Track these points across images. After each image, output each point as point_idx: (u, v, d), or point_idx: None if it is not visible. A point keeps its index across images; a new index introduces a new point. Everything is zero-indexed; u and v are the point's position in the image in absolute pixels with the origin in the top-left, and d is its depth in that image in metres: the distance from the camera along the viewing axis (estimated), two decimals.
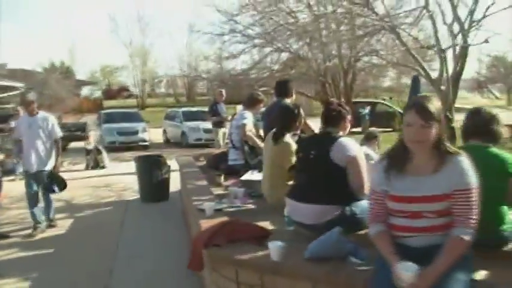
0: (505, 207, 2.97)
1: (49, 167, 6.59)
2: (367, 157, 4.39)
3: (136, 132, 18.83)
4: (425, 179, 2.43)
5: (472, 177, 2.39)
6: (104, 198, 9.08)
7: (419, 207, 2.42)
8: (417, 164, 2.47)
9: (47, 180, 6.58)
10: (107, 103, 48.16)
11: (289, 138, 4.52)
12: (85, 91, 54.94)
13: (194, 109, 22.57)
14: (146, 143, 18.73)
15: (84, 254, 5.85)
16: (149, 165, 8.45)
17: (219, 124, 12.09)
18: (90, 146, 13.28)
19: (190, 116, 19.93)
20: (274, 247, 2.98)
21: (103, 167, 13.00)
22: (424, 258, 2.31)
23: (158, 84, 61.71)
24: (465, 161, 2.41)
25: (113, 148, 17.28)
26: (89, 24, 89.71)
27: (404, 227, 2.49)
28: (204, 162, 7.55)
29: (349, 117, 3.81)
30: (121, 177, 11.14)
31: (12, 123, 10.54)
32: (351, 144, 3.54)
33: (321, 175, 3.48)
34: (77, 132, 17.63)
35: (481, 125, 3.13)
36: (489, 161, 2.96)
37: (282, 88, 5.91)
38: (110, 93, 59.32)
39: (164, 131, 21.96)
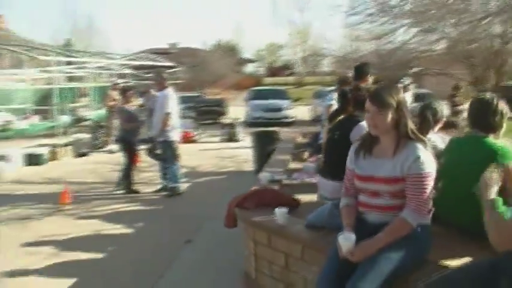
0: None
1: (162, 138, 7.53)
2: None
3: (280, 109, 19.55)
4: (384, 161, 2.63)
5: (427, 164, 2.52)
6: (224, 168, 10.02)
7: (377, 187, 2.64)
8: (381, 147, 2.69)
9: (164, 150, 7.59)
10: (267, 80, 50.14)
11: None
12: (250, 68, 57.97)
13: None
14: (290, 120, 19.29)
15: (188, 209, 6.77)
16: (262, 140, 9.08)
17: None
18: (227, 121, 14.39)
19: None
20: (280, 213, 3.41)
21: (236, 140, 14.03)
22: (376, 233, 2.56)
23: (320, 63, 62.22)
24: (421, 148, 2.56)
25: (257, 123, 18.15)
26: (252, 3, 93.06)
27: (365, 204, 2.74)
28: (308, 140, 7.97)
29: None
30: (247, 151, 12.00)
31: (141, 100, 11.69)
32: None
33: (342, 154, 3.75)
34: (214, 107, 18.87)
35: (479, 115, 3.13)
36: (480, 150, 3.00)
37: (357, 72, 5.99)
38: (273, 71, 61.47)
39: (312, 109, 22.37)
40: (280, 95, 21.41)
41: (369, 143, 2.75)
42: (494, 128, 3.11)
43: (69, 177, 9.35)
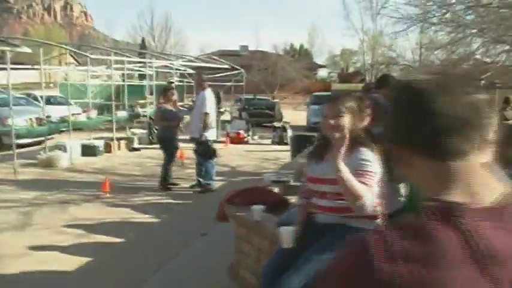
0: None
1: (197, 136, 7.93)
2: None
3: None
4: (333, 164, 2.73)
5: (371, 164, 2.65)
6: (263, 169, 10.30)
7: (326, 188, 2.79)
8: (333, 151, 2.81)
9: (198, 148, 7.98)
10: (336, 86, 49.86)
11: None
12: (323, 73, 57.93)
13: None
14: None
15: (214, 205, 7.12)
16: (299, 143, 9.28)
17: None
18: (278, 124, 14.70)
19: None
20: (256, 209, 3.67)
21: (286, 143, 14.28)
22: (324, 234, 2.74)
23: (389, 70, 61.03)
24: (367, 153, 2.69)
25: (316, 128, 18.29)
26: (327, 8, 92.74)
27: (315, 205, 2.92)
28: None
29: (367, 110, 4.12)
30: None
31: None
32: None
33: None
34: (266, 110, 19.23)
35: None
36: None
37: (379, 82, 5.99)
38: (345, 77, 60.99)
39: None
40: None
41: (322, 147, 2.94)
42: None
43: (117, 168, 10.03)
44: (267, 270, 2.83)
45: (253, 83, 37.88)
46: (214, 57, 23.06)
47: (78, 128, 13.04)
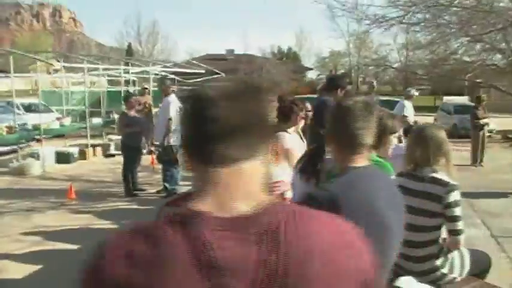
0: None
1: (163, 142, 7.98)
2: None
3: None
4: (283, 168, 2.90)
5: (275, 174, 2.76)
6: None
7: None
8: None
9: (162, 153, 8.05)
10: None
11: None
12: (311, 76, 58.06)
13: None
14: None
15: None
16: None
17: None
18: None
19: None
20: None
21: None
22: None
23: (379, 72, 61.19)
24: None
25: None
26: (314, 10, 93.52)
27: None
28: None
29: (301, 114, 4.20)
30: None
31: None
32: (286, 139, 3.97)
33: None
34: None
35: None
36: None
37: (327, 83, 5.99)
38: None
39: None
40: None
41: None
42: (374, 144, 3.23)
43: (88, 175, 10.06)
44: None
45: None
46: (194, 61, 23.08)
47: (59, 135, 13.08)
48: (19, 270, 4.92)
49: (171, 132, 7.88)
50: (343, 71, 60.53)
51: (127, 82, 27.38)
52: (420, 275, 2.88)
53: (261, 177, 0.97)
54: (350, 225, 1.01)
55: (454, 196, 2.81)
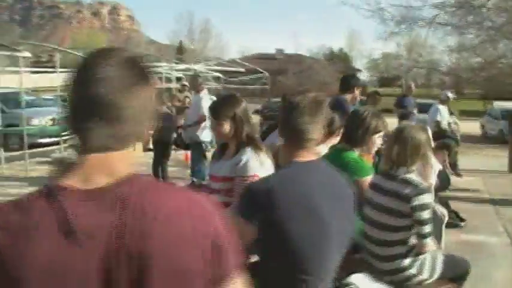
0: None
1: (194, 138, 8.19)
2: None
3: None
4: (226, 163, 2.94)
5: (252, 168, 2.76)
6: None
7: (218, 185, 2.93)
8: (227, 151, 3.00)
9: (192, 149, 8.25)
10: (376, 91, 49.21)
11: None
12: (362, 77, 57.44)
13: None
14: None
15: None
16: None
17: (403, 117, 12.22)
18: None
19: None
20: None
21: None
22: None
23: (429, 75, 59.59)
24: (251, 153, 2.81)
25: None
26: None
27: None
28: None
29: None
30: None
31: None
32: None
33: None
34: (277, 113, 19.30)
35: (347, 127, 3.33)
36: (335, 163, 3.17)
37: (342, 83, 5.86)
38: (385, 81, 60.07)
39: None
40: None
41: (222, 148, 3.08)
42: (357, 142, 3.25)
43: None
44: None
45: (287, 86, 38.01)
46: (238, 60, 23.36)
47: None
48: None
49: (202, 128, 8.07)
50: (395, 73, 59.62)
51: (178, 79, 28.04)
52: (388, 274, 2.89)
53: (129, 161, 1.11)
54: (203, 197, 1.12)
55: (423, 199, 2.79)
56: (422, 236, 2.82)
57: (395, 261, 2.87)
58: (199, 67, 17.98)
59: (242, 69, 19.78)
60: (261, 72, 20.68)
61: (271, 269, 1.94)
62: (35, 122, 11.25)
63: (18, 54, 9.26)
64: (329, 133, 3.65)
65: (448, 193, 7.60)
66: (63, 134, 11.58)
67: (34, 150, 11.99)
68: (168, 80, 18.25)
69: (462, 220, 6.32)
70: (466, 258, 3.32)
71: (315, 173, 1.97)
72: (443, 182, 7.90)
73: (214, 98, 8.26)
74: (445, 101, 10.02)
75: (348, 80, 5.83)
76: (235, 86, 21.69)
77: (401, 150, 2.93)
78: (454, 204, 6.75)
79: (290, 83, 37.86)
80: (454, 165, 9.12)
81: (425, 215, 2.78)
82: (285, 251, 1.87)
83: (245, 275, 1.13)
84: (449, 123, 9.92)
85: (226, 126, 2.87)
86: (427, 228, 2.80)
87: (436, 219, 4.82)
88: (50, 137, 12.20)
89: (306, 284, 1.87)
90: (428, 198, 2.83)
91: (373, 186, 3.00)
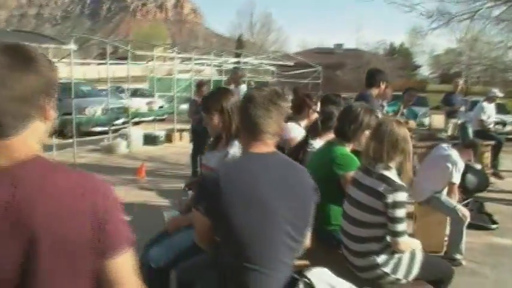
0: (334, 208, 3.09)
1: None
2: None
3: (415, 116, 19.21)
4: (215, 154, 3.05)
5: None
6: None
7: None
8: (220, 144, 3.10)
9: None
10: (432, 87, 47.87)
11: None
12: (423, 73, 56.00)
13: None
14: (425, 128, 18.84)
15: None
16: None
17: (450, 114, 11.91)
18: None
19: None
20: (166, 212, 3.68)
21: None
22: None
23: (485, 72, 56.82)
24: (236, 146, 2.85)
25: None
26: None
27: None
28: None
29: (314, 107, 4.30)
30: None
31: None
32: (293, 129, 4.11)
33: None
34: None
35: (339, 122, 3.34)
36: (324, 157, 3.20)
37: (367, 79, 5.74)
38: (446, 77, 58.09)
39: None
40: (420, 102, 20.80)
41: (216, 140, 3.19)
42: (349, 137, 3.25)
43: (167, 157, 10.77)
44: (147, 245, 3.09)
45: (344, 81, 37.61)
46: (291, 54, 23.35)
47: (161, 119, 14.07)
48: None
49: None
50: (457, 70, 57.46)
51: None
52: (362, 270, 2.89)
53: (29, 144, 1.21)
54: (91, 177, 1.26)
55: (397, 197, 2.72)
56: (394, 234, 2.76)
57: (369, 257, 2.84)
58: (250, 60, 18.14)
59: (290, 63, 19.80)
60: (314, 67, 20.61)
61: (224, 256, 2.05)
62: (88, 111, 11.77)
63: (64, 46, 9.72)
64: (326, 128, 3.72)
65: (485, 194, 7.41)
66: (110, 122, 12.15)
67: (87, 138, 12.63)
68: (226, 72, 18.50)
69: (494, 223, 6.13)
70: (450, 264, 3.28)
71: (265, 164, 2.03)
72: (482, 182, 7.69)
73: None
74: (491, 99, 9.67)
75: (374, 75, 5.74)
76: (287, 80, 21.70)
77: (378, 146, 2.88)
78: (490, 206, 6.57)
79: (347, 77, 37.42)
80: (494, 166, 8.84)
81: (399, 213, 2.72)
82: (230, 239, 1.97)
83: (131, 250, 1.24)
84: (496, 123, 9.58)
85: (215, 119, 2.99)
86: (401, 227, 2.74)
87: (456, 220, 4.75)
88: (102, 125, 12.77)
89: (252, 272, 1.95)
90: (402, 196, 2.75)
91: (353, 181, 2.97)
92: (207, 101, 3.07)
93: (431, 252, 4.94)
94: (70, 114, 10.64)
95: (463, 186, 7.61)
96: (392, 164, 2.87)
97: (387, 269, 2.83)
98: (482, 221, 6.13)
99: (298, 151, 3.67)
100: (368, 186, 2.82)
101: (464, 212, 4.79)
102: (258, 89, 2.12)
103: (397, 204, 2.71)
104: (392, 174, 2.82)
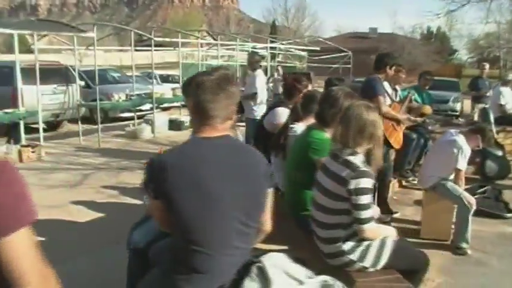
0: (311, 193, 3.02)
1: (247, 115, 8.36)
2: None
3: (447, 101, 18.83)
4: None
5: None
6: None
7: None
8: None
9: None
10: (469, 71, 46.60)
11: None
12: (462, 57, 54.61)
13: None
14: (456, 113, 18.48)
15: None
16: None
17: (476, 99, 11.63)
18: None
19: None
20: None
21: None
22: None
23: None
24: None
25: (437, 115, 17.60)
26: None
27: None
28: None
29: (305, 91, 4.28)
30: None
31: None
32: (283, 114, 4.10)
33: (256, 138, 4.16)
34: None
35: (319, 106, 3.32)
36: (302, 141, 3.21)
37: (376, 62, 5.70)
38: (484, 62, 56.27)
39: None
40: (451, 86, 20.36)
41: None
42: (328, 122, 3.22)
43: None
44: (132, 228, 3.15)
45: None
46: (320, 39, 23.16)
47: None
48: (85, 215, 5.77)
49: (259, 103, 8.22)
50: (496, 54, 55.69)
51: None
52: (329, 257, 2.85)
53: None
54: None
55: (361, 183, 2.65)
56: (359, 221, 2.69)
57: (335, 244, 2.80)
58: (277, 45, 18.08)
59: (316, 48, 19.66)
60: (345, 51, 20.40)
61: (176, 239, 2.11)
62: (116, 97, 12.00)
63: (82, 34, 9.90)
64: (307, 111, 3.70)
65: (506, 182, 7.25)
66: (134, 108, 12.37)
67: (114, 124, 12.91)
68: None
69: (510, 211, 5.97)
70: (425, 253, 3.13)
71: (212, 148, 2.05)
72: (502, 169, 7.52)
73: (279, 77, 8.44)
74: (507, 82, 9.37)
75: (381, 59, 5.71)
76: (317, 65, 21.59)
77: (344, 131, 2.81)
78: (508, 195, 6.41)
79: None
80: None
81: (363, 199, 2.64)
82: (178, 222, 2.01)
83: (29, 229, 1.20)
84: None
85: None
86: (365, 214, 2.66)
87: (462, 207, 4.67)
88: (128, 111, 13.00)
89: (200, 255, 1.99)
90: (366, 182, 2.66)
91: (321, 167, 2.91)
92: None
93: (439, 241, 4.91)
94: (101, 100, 10.92)
95: (482, 172, 7.48)
96: (360, 150, 2.79)
97: (354, 257, 2.79)
98: (498, 210, 5.97)
99: (280, 136, 3.68)
100: (333, 172, 2.76)
101: (470, 199, 4.69)
102: (207, 73, 2.13)
103: (360, 191, 2.64)
104: (357, 159, 2.74)
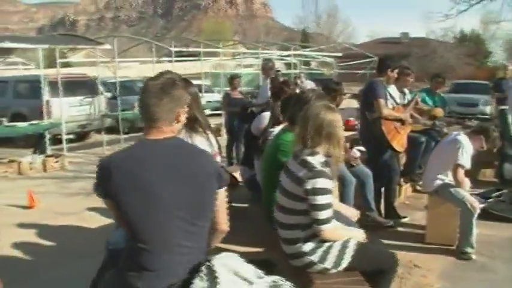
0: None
1: None
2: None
3: (476, 105, 18.46)
4: None
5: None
6: None
7: None
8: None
9: None
10: (501, 74, 45.33)
11: None
12: (497, 60, 53.28)
13: None
14: (486, 116, 18.05)
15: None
16: None
17: (501, 101, 11.41)
18: None
19: None
20: None
21: None
22: None
23: None
24: (183, 134, 2.86)
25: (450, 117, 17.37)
26: None
27: None
28: None
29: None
30: None
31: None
32: (267, 118, 4.13)
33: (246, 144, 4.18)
34: None
35: (292, 107, 3.33)
36: (274, 143, 3.25)
37: (378, 65, 5.74)
38: None
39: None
40: (481, 89, 19.91)
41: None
42: (293, 119, 3.21)
43: None
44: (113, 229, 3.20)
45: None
46: (346, 45, 23.07)
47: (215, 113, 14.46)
48: (97, 221, 5.93)
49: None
50: None
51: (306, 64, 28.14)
52: (290, 258, 2.84)
53: None
54: None
55: (317, 183, 2.62)
56: (317, 222, 2.65)
57: (296, 245, 2.78)
58: (300, 52, 18.12)
59: (338, 54, 19.61)
60: (370, 57, 20.28)
61: (128, 237, 2.18)
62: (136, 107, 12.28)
63: (99, 47, 10.18)
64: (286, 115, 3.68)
65: None
66: None
67: (139, 134, 13.09)
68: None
69: None
70: (394, 254, 3.07)
71: (155, 150, 2.11)
72: None
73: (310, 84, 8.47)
74: None
75: (383, 62, 5.70)
76: (344, 71, 21.52)
77: (301, 130, 2.81)
78: None
79: (412, 67, 36.25)
80: None
81: (320, 200, 2.61)
82: (123, 221, 2.11)
83: None
84: None
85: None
86: (323, 215, 2.63)
87: (465, 211, 4.59)
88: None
89: (146, 253, 2.05)
90: (323, 183, 2.63)
91: (284, 168, 2.91)
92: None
93: (444, 246, 4.82)
94: (125, 111, 11.15)
95: (500, 175, 7.30)
96: (320, 149, 2.77)
97: (314, 258, 2.76)
98: (511, 213, 5.84)
99: (260, 140, 3.73)
100: (292, 172, 2.76)
101: (473, 203, 4.59)
102: (153, 78, 2.19)
103: (317, 191, 2.61)
104: (315, 159, 2.71)
